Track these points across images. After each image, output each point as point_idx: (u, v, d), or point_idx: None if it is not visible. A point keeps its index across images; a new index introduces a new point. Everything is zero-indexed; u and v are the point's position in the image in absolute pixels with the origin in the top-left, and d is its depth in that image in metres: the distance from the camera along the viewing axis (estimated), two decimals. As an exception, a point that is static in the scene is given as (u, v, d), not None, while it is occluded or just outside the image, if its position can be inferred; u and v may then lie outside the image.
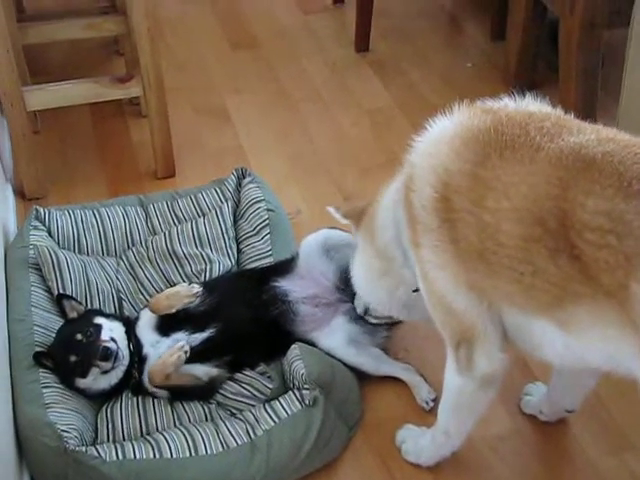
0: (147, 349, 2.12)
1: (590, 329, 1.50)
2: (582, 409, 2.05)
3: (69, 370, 2.06)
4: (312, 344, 2.16)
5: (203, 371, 2.11)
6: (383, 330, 2.24)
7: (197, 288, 2.19)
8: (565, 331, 1.54)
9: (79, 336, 2.09)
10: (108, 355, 2.06)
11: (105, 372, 2.07)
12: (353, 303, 2.18)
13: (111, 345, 2.07)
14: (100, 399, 2.12)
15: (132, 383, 2.11)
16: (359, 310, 2.17)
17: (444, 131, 1.66)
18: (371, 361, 2.18)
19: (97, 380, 2.07)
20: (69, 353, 2.07)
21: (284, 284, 2.23)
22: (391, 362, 2.21)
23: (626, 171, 1.42)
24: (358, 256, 2.01)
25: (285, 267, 2.29)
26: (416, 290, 1.83)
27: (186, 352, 2.05)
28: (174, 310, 2.15)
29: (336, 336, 2.17)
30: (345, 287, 2.20)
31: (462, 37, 3.79)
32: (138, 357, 2.12)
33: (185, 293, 2.18)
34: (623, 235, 1.38)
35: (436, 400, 2.11)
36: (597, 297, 1.44)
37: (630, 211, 1.38)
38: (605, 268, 1.40)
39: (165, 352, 2.07)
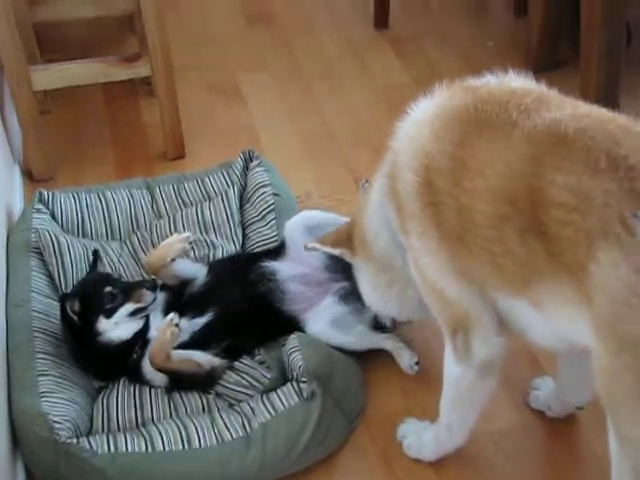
0: (152, 332, 2.09)
1: (555, 308, 1.47)
2: (591, 405, 1.97)
3: (98, 306, 2.04)
4: (302, 328, 2.12)
5: (205, 359, 2.06)
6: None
7: (187, 233, 2.18)
8: (538, 312, 1.50)
9: (114, 276, 2.14)
10: (155, 285, 2.09)
11: (133, 314, 2.06)
12: (344, 282, 2.13)
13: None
14: (101, 370, 2.09)
15: (132, 360, 2.06)
16: (388, 323, 2.15)
17: (425, 113, 1.61)
18: (354, 339, 2.13)
19: (118, 325, 2.05)
20: (105, 285, 2.07)
21: (272, 264, 2.19)
22: (373, 335, 2.16)
23: (596, 147, 1.36)
24: (363, 279, 1.97)
25: (276, 250, 2.26)
26: None
27: (177, 325, 2.01)
28: (169, 259, 2.13)
29: (321, 320, 2.12)
30: (334, 266, 2.15)
31: (485, 12, 3.67)
32: (143, 338, 2.08)
33: (176, 240, 2.16)
34: (586, 212, 1.34)
35: (419, 364, 2.11)
36: (559, 276, 1.41)
37: (595, 188, 1.33)
38: (567, 246, 1.36)
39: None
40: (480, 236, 1.49)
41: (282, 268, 2.19)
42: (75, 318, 2.05)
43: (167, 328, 2.00)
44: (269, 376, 2.04)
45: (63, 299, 2.07)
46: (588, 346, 1.44)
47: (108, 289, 2.07)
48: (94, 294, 2.07)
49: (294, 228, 2.26)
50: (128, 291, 2.09)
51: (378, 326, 2.16)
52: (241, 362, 2.09)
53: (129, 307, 2.07)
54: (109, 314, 2.05)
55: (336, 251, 2.00)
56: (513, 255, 1.45)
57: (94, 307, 2.06)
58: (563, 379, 1.93)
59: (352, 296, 2.12)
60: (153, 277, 2.17)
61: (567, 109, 1.46)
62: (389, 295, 1.93)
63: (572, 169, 1.36)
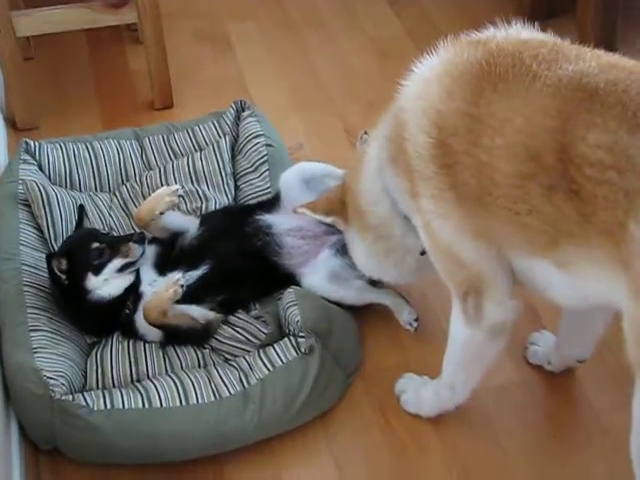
0: (144, 287, 2.04)
1: (584, 269, 1.43)
2: (589, 360, 1.95)
3: (85, 263, 1.99)
4: (299, 282, 2.08)
5: (199, 313, 2.01)
6: None
7: (176, 186, 2.13)
8: (564, 272, 1.46)
9: (102, 231, 2.09)
10: (143, 238, 2.03)
11: (122, 269, 2.01)
12: (340, 235, 2.07)
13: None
14: (94, 327, 2.04)
15: (125, 315, 2.02)
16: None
17: (431, 70, 1.55)
18: (352, 293, 2.08)
19: (108, 282, 2.00)
20: (92, 241, 2.02)
21: (268, 217, 2.14)
22: (373, 290, 2.11)
23: (630, 101, 1.31)
24: (357, 248, 1.93)
25: (271, 203, 2.20)
26: (424, 252, 1.74)
27: (182, 286, 1.96)
28: (158, 212, 2.07)
29: (318, 273, 2.08)
30: None
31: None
32: (135, 293, 2.03)
33: (166, 192, 2.10)
34: (625, 171, 1.29)
35: (418, 320, 2.08)
36: (590, 236, 1.37)
37: (634, 145, 1.29)
38: (603, 205, 1.32)
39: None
40: (502, 195, 1.44)
41: (277, 221, 2.14)
42: (63, 277, 1.99)
43: (171, 286, 1.95)
44: (266, 331, 2.00)
45: (49, 258, 2.00)
46: (618, 306, 1.40)
47: (95, 245, 2.02)
48: (81, 251, 2.01)
49: (290, 180, 2.20)
50: (115, 246, 2.03)
51: (375, 282, 2.12)
52: (237, 317, 2.05)
53: (117, 262, 2.02)
54: (97, 271, 2.00)
55: (328, 219, 1.95)
56: (539, 214, 1.40)
57: (81, 265, 2.00)
58: (566, 332, 1.91)
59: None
60: (141, 230, 2.11)
61: (589, 60, 1.40)
62: (386, 263, 1.89)
63: (606, 126, 1.30)
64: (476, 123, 1.44)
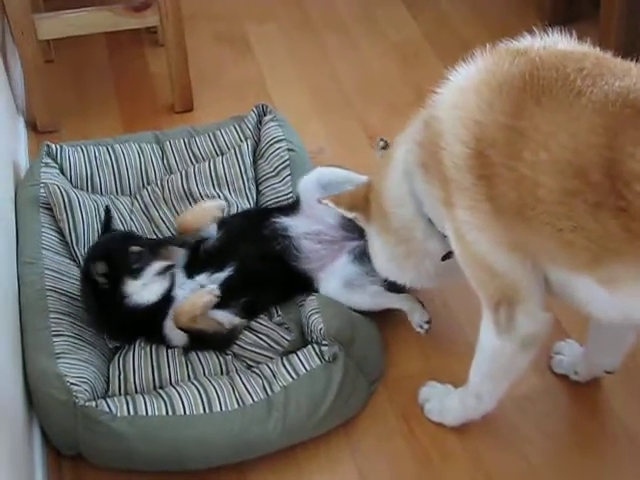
0: (176, 290, 2.02)
1: (630, 287, 1.40)
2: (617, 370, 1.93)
3: (124, 266, 1.94)
4: (317, 287, 2.08)
5: (226, 317, 2.00)
6: None
7: (222, 202, 2.13)
8: (607, 289, 1.44)
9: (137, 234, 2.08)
10: (187, 242, 2.02)
11: (161, 273, 1.97)
12: (358, 241, 2.07)
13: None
14: (125, 333, 2.02)
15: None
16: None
17: (468, 80, 1.51)
18: (368, 299, 2.06)
19: (146, 287, 1.96)
20: (131, 243, 1.98)
21: (285, 220, 2.13)
22: (388, 295, 2.08)
23: None
24: (377, 248, 1.91)
25: (290, 207, 2.19)
26: (445, 257, 1.73)
27: (217, 296, 1.95)
28: (207, 223, 2.08)
29: (334, 279, 2.06)
30: (349, 224, 2.08)
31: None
32: (167, 297, 2.01)
33: (213, 206, 2.11)
34: None
35: (430, 322, 2.05)
36: (638, 254, 1.34)
37: None
38: None
39: (192, 294, 1.98)
40: (544, 211, 1.41)
41: (295, 224, 2.12)
42: (103, 281, 1.94)
43: (207, 294, 1.94)
44: (289, 338, 1.98)
45: (86, 262, 1.97)
46: None
47: (134, 248, 1.97)
48: (120, 254, 1.96)
49: (308, 185, 2.18)
50: (155, 249, 1.99)
51: (393, 287, 2.09)
52: (259, 323, 2.03)
53: (157, 266, 1.98)
54: (136, 274, 1.96)
55: (350, 214, 1.92)
56: (584, 231, 1.38)
57: (120, 268, 1.95)
58: (595, 341, 1.88)
59: (367, 256, 2.04)
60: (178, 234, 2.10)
61: (636, 76, 1.38)
62: (405, 266, 1.86)
63: None
64: (517, 136, 1.41)
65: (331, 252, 2.11)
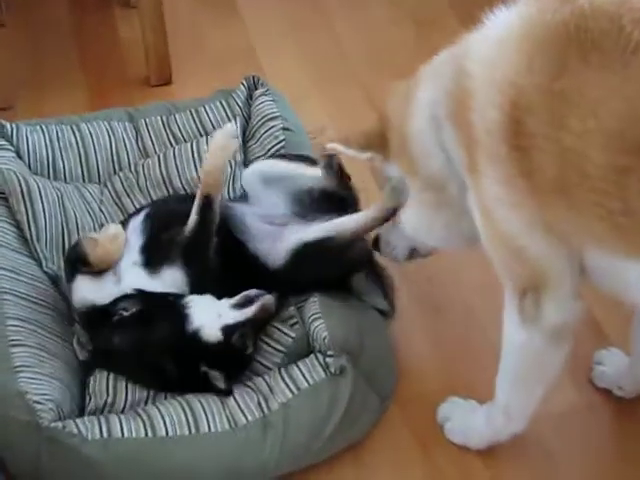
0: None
1: None
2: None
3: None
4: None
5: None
6: None
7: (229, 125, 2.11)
8: None
9: None
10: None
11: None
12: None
13: None
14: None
15: None
16: (401, 258, 2.06)
17: (508, 29, 1.51)
18: None
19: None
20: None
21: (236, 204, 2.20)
22: None
23: None
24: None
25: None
26: None
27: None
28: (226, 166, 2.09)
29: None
30: (303, 209, 2.14)
31: None
32: None
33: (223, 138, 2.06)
34: None
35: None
36: None
37: None
38: None
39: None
40: (592, 189, 1.42)
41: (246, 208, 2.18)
42: None
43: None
44: (293, 335, 2.01)
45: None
46: None
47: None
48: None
49: (249, 181, 2.24)
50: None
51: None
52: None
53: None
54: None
55: (364, 155, 1.86)
56: (637, 214, 1.39)
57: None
58: (642, 352, 1.92)
59: None
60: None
61: None
62: (436, 219, 1.82)
63: None
64: (559, 101, 1.42)
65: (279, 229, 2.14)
